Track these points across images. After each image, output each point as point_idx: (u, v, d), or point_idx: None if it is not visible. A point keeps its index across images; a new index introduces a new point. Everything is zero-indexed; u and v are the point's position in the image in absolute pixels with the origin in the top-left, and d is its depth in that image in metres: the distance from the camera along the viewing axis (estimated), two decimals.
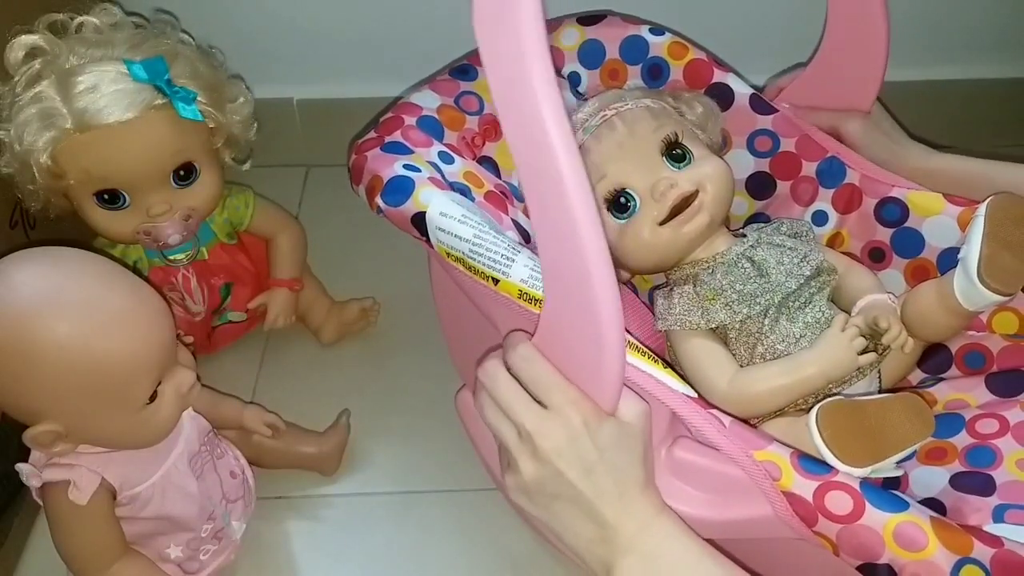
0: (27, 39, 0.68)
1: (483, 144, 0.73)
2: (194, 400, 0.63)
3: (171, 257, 0.79)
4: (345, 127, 1.07)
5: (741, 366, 0.67)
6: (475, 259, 0.57)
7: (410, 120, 0.69)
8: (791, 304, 0.67)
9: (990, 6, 1.02)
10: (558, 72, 0.77)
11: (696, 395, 0.54)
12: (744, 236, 0.71)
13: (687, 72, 0.78)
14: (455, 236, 0.58)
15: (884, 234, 0.71)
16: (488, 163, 0.74)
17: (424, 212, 0.60)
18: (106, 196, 0.71)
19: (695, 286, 0.69)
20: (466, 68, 0.75)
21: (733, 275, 0.68)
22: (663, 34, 0.78)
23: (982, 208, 0.60)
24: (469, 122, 0.72)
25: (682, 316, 0.68)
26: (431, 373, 0.87)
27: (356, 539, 0.76)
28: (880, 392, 0.66)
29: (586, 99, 0.76)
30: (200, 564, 0.69)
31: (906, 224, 0.69)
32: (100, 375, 0.55)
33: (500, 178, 0.73)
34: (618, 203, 0.68)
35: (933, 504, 0.56)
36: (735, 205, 0.78)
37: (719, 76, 0.77)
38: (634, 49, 0.78)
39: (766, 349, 0.66)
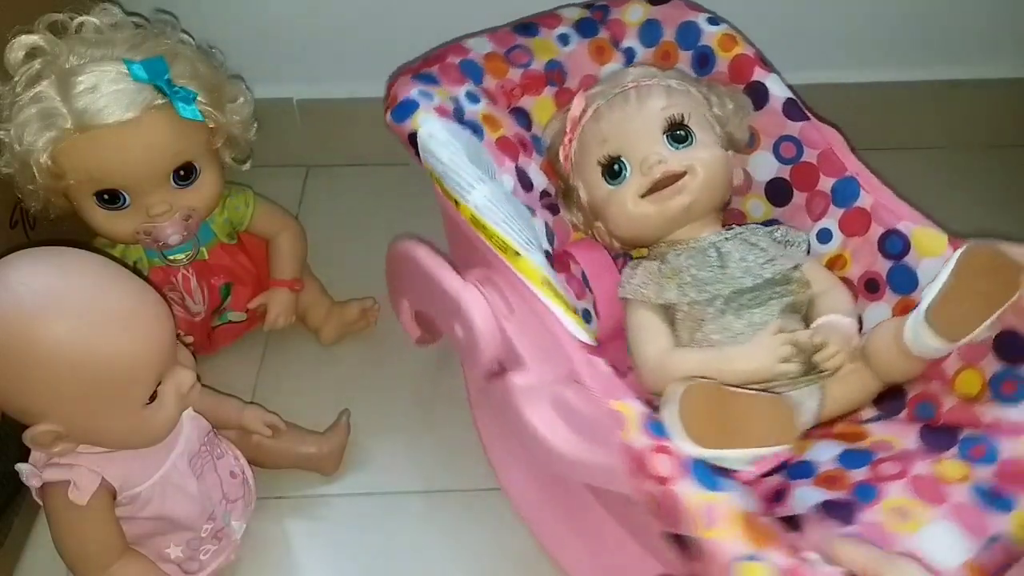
0: (27, 39, 0.68)
1: (521, 96, 0.78)
2: (194, 400, 0.63)
3: (171, 257, 0.79)
4: (345, 127, 1.08)
5: (680, 346, 0.69)
6: (445, 180, 0.65)
7: (453, 59, 0.75)
8: (741, 300, 0.68)
9: (990, 6, 1.02)
10: (616, 44, 0.80)
11: (593, 343, 0.58)
12: (731, 229, 0.73)
13: (732, 65, 0.78)
14: (436, 157, 0.66)
15: (883, 266, 0.69)
16: (521, 114, 0.78)
17: (417, 132, 0.68)
18: (106, 196, 0.71)
19: (661, 263, 0.71)
20: (529, 25, 0.79)
21: (695, 260, 0.70)
22: (718, 24, 0.78)
23: (956, 252, 0.59)
24: (512, 73, 0.77)
25: (638, 287, 0.71)
26: (431, 373, 0.87)
27: (356, 539, 0.76)
28: (820, 413, 0.66)
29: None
30: (200, 564, 0.69)
31: (904, 260, 0.67)
32: (100, 375, 0.55)
33: (530, 130, 0.78)
34: (611, 169, 0.72)
35: (792, 519, 0.55)
36: (752, 206, 0.79)
37: (759, 75, 0.77)
38: (688, 35, 0.79)
39: (703, 336, 0.68)
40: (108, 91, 0.66)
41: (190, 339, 0.79)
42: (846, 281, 0.71)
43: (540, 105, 0.79)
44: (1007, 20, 1.03)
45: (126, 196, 0.72)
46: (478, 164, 0.66)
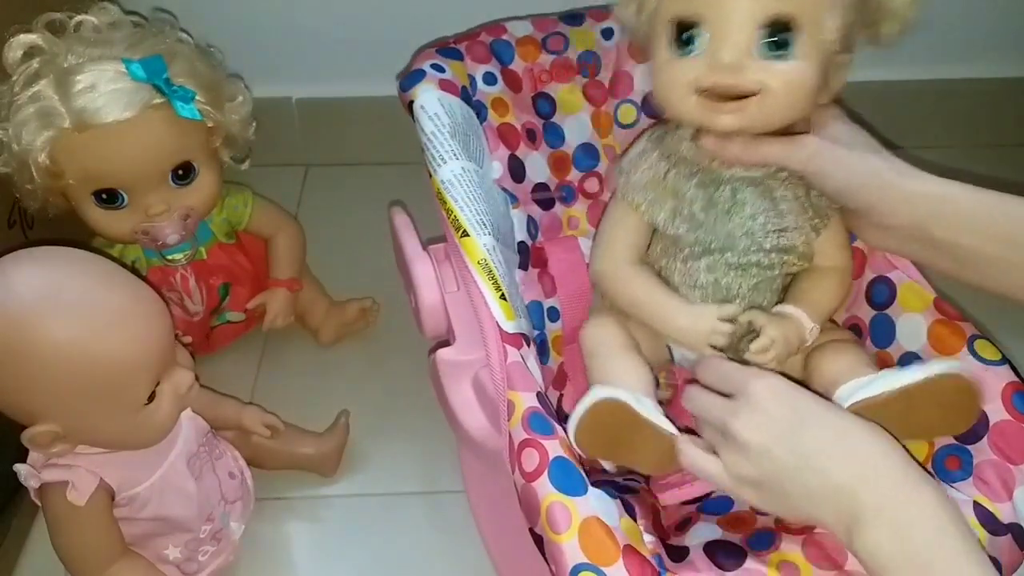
0: (25, 38, 0.68)
1: (548, 81, 0.78)
2: (192, 400, 0.63)
3: (169, 257, 0.78)
4: (344, 126, 1.08)
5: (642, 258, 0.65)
6: (424, 151, 0.66)
7: (486, 38, 0.76)
8: (725, 257, 0.62)
9: (990, 6, 1.02)
10: None
11: (513, 331, 0.58)
12: (775, 171, 0.62)
13: None
14: (420, 128, 0.67)
15: (866, 313, 0.65)
16: (546, 100, 0.78)
17: (414, 102, 0.69)
18: (104, 195, 0.71)
19: (670, 169, 0.63)
20: (576, 15, 0.80)
21: (704, 194, 0.61)
22: None
23: (925, 370, 0.53)
24: (543, 58, 0.78)
25: (633, 186, 0.64)
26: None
27: (355, 540, 0.76)
28: None
29: None
30: (199, 565, 0.69)
31: (887, 311, 0.63)
32: (98, 375, 0.55)
33: (551, 117, 0.78)
34: (680, 37, 0.57)
35: (680, 549, 0.54)
36: None
37: None
38: None
39: (667, 266, 0.64)
40: (106, 90, 0.66)
41: (188, 339, 0.79)
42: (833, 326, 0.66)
43: (567, 93, 0.79)
44: (1007, 20, 1.03)
45: (124, 195, 0.71)
46: (464, 143, 0.67)
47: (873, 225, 0.60)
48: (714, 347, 0.60)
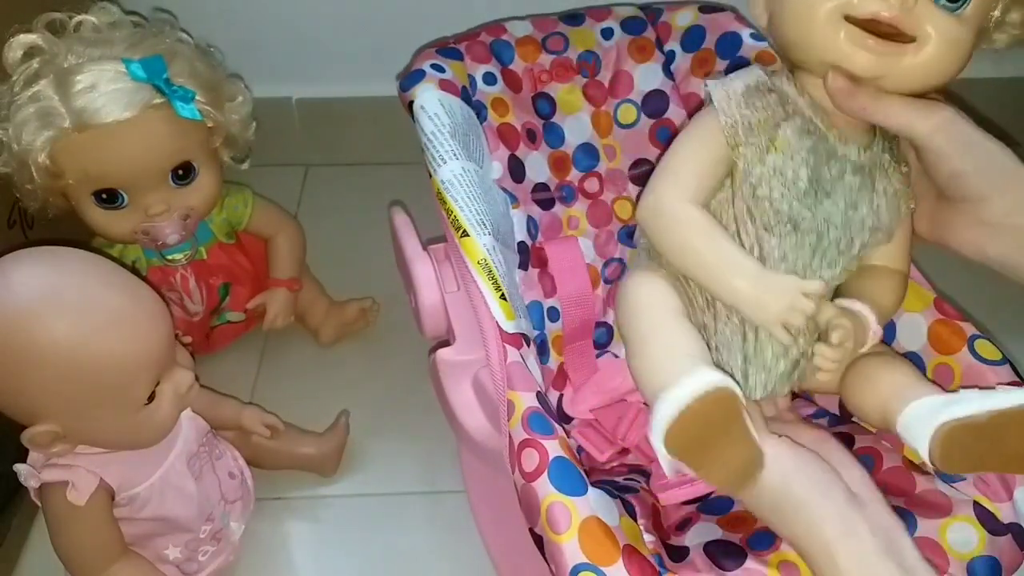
0: (25, 38, 0.68)
1: (548, 82, 0.78)
2: (192, 400, 0.63)
3: (169, 257, 0.78)
4: (344, 126, 1.08)
5: (710, 209, 0.54)
6: (424, 151, 0.66)
7: (486, 38, 0.76)
8: (809, 240, 0.53)
9: None
10: (660, 46, 0.78)
11: (513, 331, 0.57)
12: (879, 160, 0.55)
13: None
14: (420, 128, 0.67)
15: None
16: (546, 100, 0.78)
17: (414, 102, 0.69)
18: (104, 195, 0.71)
19: (786, 118, 0.52)
20: (576, 15, 0.79)
21: (815, 160, 0.52)
22: (761, 40, 0.75)
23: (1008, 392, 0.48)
24: (543, 59, 0.77)
25: (740, 120, 0.52)
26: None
27: (355, 540, 0.76)
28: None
29: (674, 79, 0.76)
30: (199, 565, 0.69)
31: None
32: (98, 375, 0.55)
33: (551, 117, 0.78)
34: None
35: (680, 549, 0.54)
36: None
37: None
38: (728, 45, 0.75)
39: (741, 228, 0.53)
40: (106, 90, 0.66)
41: (188, 339, 0.79)
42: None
43: (567, 93, 0.79)
44: None
45: (124, 195, 0.71)
46: (464, 143, 0.67)
47: (974, 222, 0.52)
48: (787, 329, 0.51)
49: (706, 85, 0.55)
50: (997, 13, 0.52)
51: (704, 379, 0.46)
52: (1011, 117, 1.11)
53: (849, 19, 0.48)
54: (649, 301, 0.54)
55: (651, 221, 0.54)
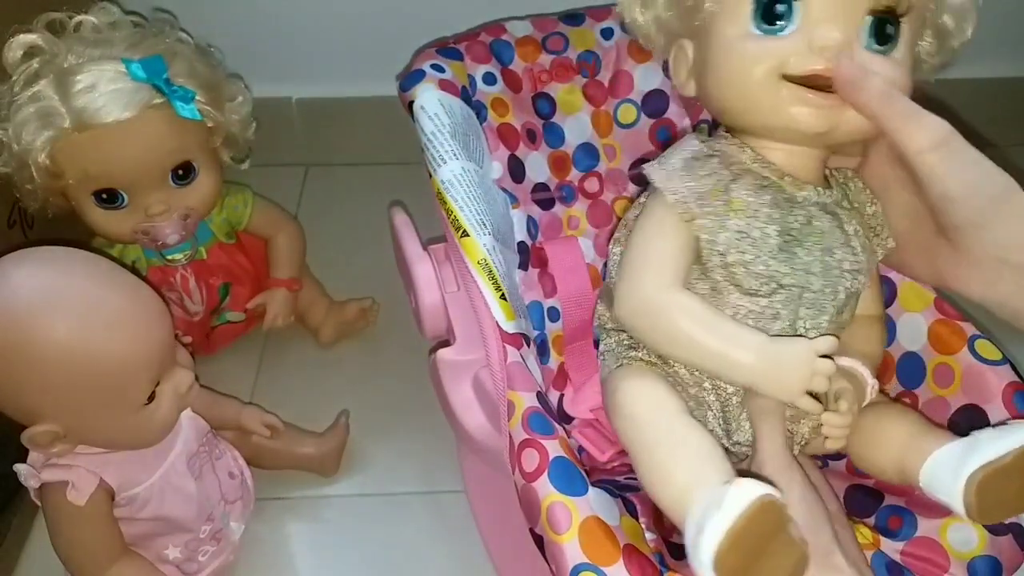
0: (25, 38, 0.68)
1: (548, 82, 0.78)
2: (192, 400, 0.63)
3: (169, 257, 0.78)
4: (344, 126, 1.08)
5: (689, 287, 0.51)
6: (424, 152, 0.66)
7: (486, 38, 0.76)
8: (798, 296, 0.51)
9: (990, 6, 1.02)
10: None
11: (513, 331, 0.56)
12: (840, 198, 0.53)
13: None
14: (420, 128, 0.67)
15: None
16: (546, 100, 0.78)
17: (414, 102, 0.68)
18: (104, 195, 0.71)
19: (735, 179, 0.50)
20: (576, 15, 0.79)
21: (779, 213, 0.50)
22: None
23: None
24: (543, 59, 0.77)
25: (688, 195, 0.49)
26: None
27: (355, 540, 0.76)
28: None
29: None
30: (199, 565, 0.69)
31: (887, 311, 0.60)
32: (99, 375, 0.55)
33: (551, 117, 0.77)
34: (772, 10, 0.47)
35: (680, 547, 0.53)
36: None
37: None
38: None
39: (731, 301, 0.51)
40: (106, 90, 0.66)
41: (188, 339, 0.79)
42: None
43: (567, 93, 0.79)
44: (1007, 20, 1.03)
45: (124, 195, 0.71)
46: (464, 143, 0.67)
47: (968, 257, 0.47)
48: (811, 394, 0.47)
49: (643, 169, 0.53)
50: (925, 43, 0.52)
51: (750, 491, 0.41)
52: (1011, 117, 1.11)
53: (787, 78, 0.47)
54: (649, 411, 0.50)
55: (635, 321, 0.51)
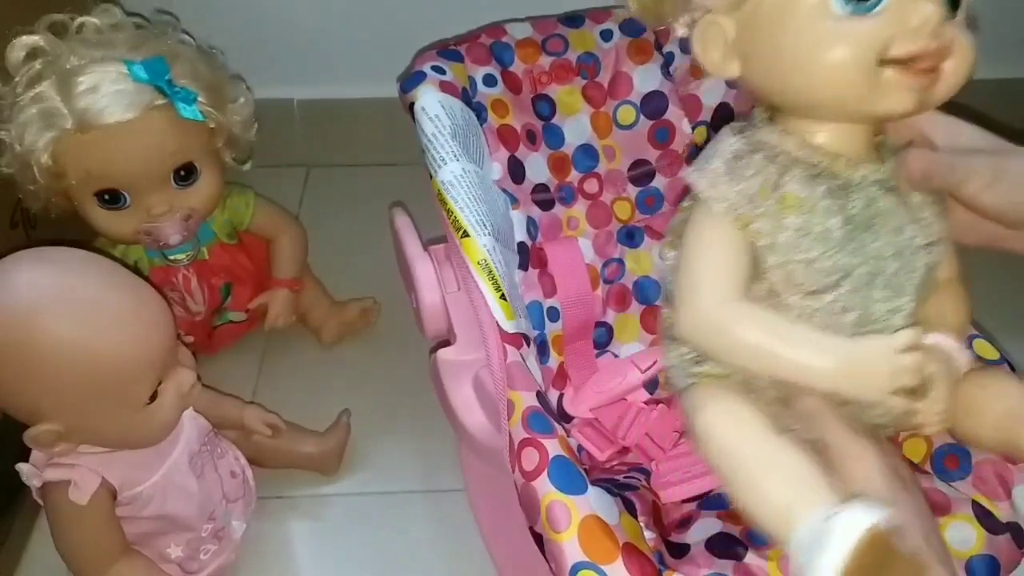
0: (28, 40, 0.68)
1: (548, 83, 0.78)
2: (194, 400, 0.63)
3: (172, 257, 0.79)
4: (345, 127, 1.08)
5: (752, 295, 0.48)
6: (425, 153, 0.66)
7: (486, 40, 0.76)
8: (871, 285, 0.47)
9: (990, 6, 1.02)
10: (659, 47, 0.78)
11: (513, 331, 0.56)
12: (883, 164, 0.49)
13: None
14: (421, 130, 0.67)
15: None
16: (546, 101, 0.78)
17: (415, 103, 0.69)
18: (107, 196, 0.71)
19: (783, 173, 0.46)
20: (576, 17, 0.80)
21: (836, 203, 0.46)
22: None
23: None
24: (543, 60, 0.77)
25: (738, 198, 0.46)
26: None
27: (357, 539, 0.76)
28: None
29: (673, 81, 0.77)
30: (200, 564, 0.69)
31: None
32: (101, 375, 0.55)
33: (551, 118, 0.78)
34: None
35: (681, 546, 0.54)
36: None
37: None
38: None
39: (803, 307, 0.47)
40: (109, 91, 0.66)
41: (190, 339, 0.80)
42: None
43: (566, 95, 0.79)
44: (1007, 20, 1.03)
45: (127, 196, 0.72)
46: (464, 144, 0.67)
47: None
48: (901, 391, 0.44)
49: (685, 177, 0.50)
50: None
51: (866, 517, 0.39)
52: (1011, 117, 1.11)
53: (887, 61, 0.43)
54: (734, 440, 0.46)
55: (698, 339, 0.48)
